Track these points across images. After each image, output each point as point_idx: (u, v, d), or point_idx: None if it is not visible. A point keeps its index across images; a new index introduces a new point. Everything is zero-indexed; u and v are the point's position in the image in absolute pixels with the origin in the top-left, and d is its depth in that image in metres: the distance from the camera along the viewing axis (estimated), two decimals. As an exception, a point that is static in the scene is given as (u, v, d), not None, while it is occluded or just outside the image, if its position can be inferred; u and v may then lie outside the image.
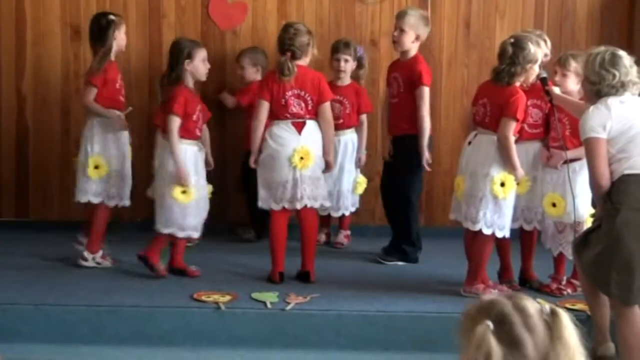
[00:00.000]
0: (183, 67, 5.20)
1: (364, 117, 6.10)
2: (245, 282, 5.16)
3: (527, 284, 5.20)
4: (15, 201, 6.59)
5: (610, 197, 4.18)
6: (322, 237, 6.09)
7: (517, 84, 4.96)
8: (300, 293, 4.93)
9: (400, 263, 5.71)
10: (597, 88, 4.25)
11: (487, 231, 4.92)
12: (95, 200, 5.50)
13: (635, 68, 4.28)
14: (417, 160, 5.59)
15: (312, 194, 5.18)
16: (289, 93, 5.14)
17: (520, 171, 4.94)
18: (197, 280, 5.18)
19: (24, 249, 5.91)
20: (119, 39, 5.51)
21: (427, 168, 5.62)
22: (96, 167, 5.47)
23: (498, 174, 4.90)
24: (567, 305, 4.80)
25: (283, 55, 5.17)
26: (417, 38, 5.60)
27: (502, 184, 4.90)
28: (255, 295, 4.89)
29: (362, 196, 6.20)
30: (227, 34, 6.47)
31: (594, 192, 4.40)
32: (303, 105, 5.16)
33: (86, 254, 5.51)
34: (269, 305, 4.75)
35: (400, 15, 5.61)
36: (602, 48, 4.33)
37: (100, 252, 5.56)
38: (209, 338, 4.60)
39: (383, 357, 4.52)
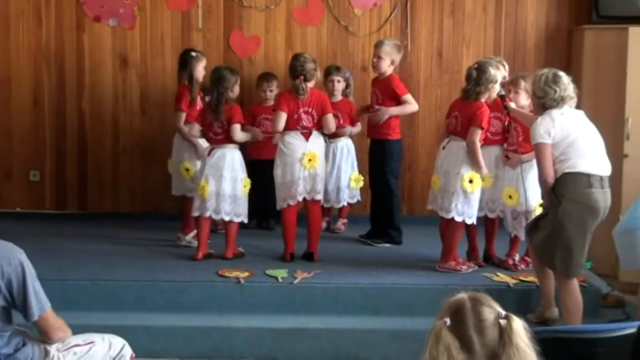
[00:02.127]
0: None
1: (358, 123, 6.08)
2: (260, 262, 5.15)
3: (490, 260, 5.20)
4: (78, 197, 6.60)
5: (554, 190, 4.20)
6: (323, 224, 6.04)
7: (482, 100, 4.95)
8: (305, 270, 4.94)
9: (387, 245, 5.70)
10: (543, 101, 4.27)
11: (458, 219, 4.92)
12: (188, 194, 5.51)
13: (572, 85, 4.30)
14: (392, 162, 5.62)
15: (320, 189, 5.20)
16: (301, 110, 5.16)
17: (485, 170, 4.93)
18: (222, 260, 5.14)
19: (84, 236, 5.92)
20: (197, 71, 5.50)
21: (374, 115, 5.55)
22: (187, 169, 5.51)
23: (467, 173, 4.90)
24: (521, 278, 4.84)
25: (296, 79, 5.17)
26: (392, 62, 5.59)
27: (470, 181, 4.89)
28: (268, 271, 4.90)
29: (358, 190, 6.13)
30: (244, 62, 6.44)
31: (541, 186, 4.41)
32: (310, 119, 5.18)
33: (181, 235, 5.60)
34: (280, 280, 4.76)
35: (378, 45, 5.58)
36: (546, 70, 4.35)
37: (192, 234, 5.58)
38: (232, 306, 4.61)
39: (373, 321, 4.53)
